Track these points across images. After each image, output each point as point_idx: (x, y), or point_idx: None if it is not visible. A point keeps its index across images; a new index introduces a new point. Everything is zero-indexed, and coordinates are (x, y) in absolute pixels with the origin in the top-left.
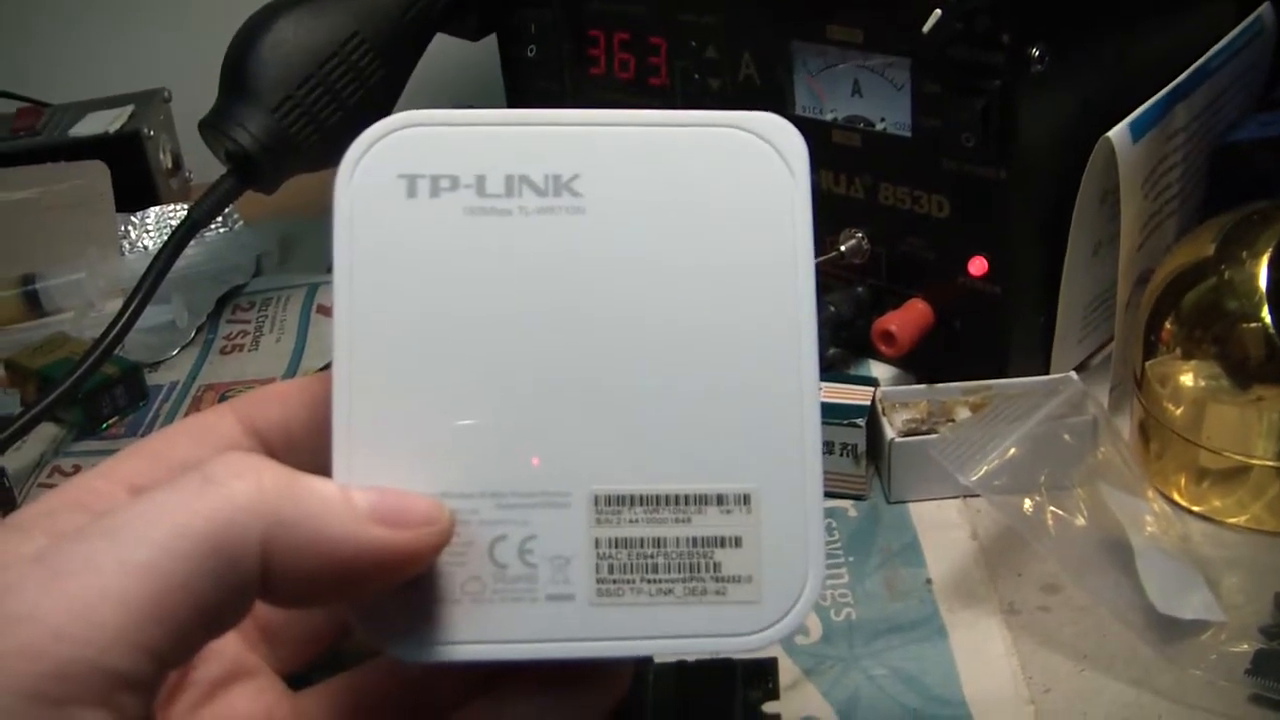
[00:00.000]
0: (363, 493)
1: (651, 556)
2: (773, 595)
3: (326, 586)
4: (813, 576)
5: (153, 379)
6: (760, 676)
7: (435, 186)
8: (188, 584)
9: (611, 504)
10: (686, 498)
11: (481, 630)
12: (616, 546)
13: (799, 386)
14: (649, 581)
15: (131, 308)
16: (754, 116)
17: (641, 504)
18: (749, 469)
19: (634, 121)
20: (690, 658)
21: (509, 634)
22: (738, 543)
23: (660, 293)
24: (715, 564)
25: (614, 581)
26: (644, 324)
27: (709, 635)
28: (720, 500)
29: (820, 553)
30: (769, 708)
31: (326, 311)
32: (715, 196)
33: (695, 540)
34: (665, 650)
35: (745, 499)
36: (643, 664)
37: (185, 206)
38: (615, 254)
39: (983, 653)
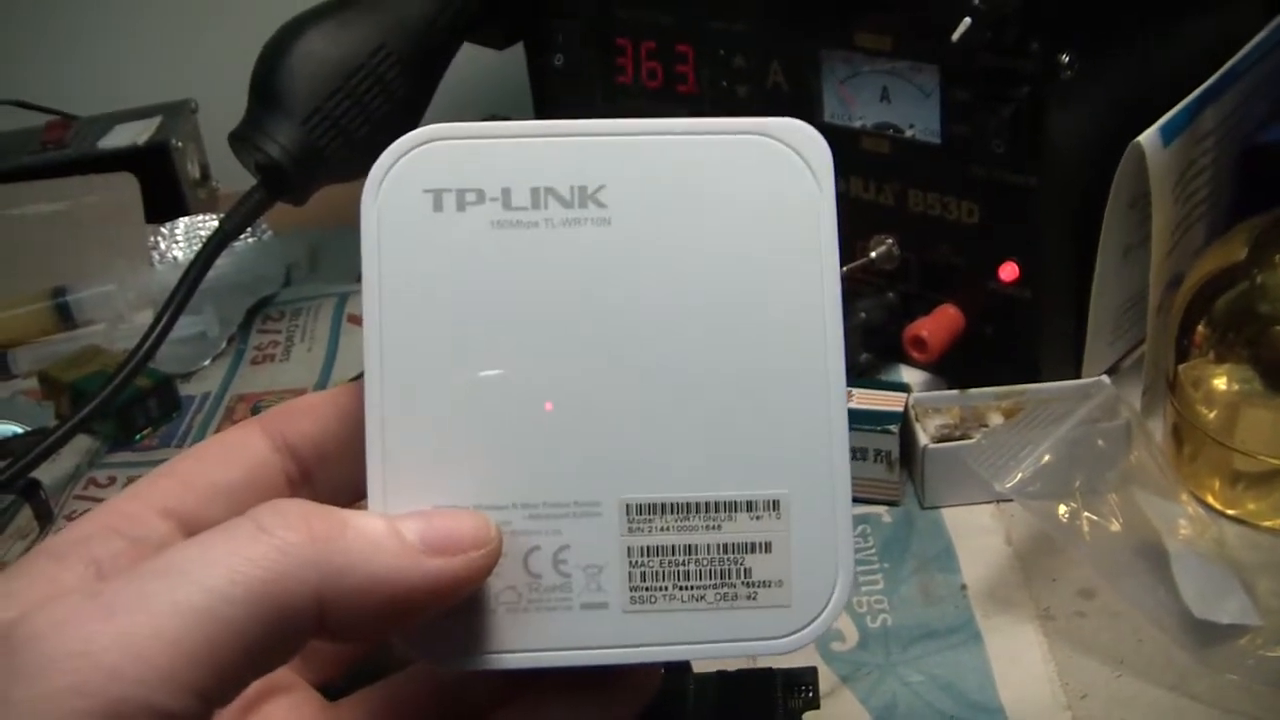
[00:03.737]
0: (411, 521)
1: (683, 564)
2: (803, 599)
3: (383, 622)
4: (842, 579)
5: (185, 390)
6: (800, 685)
7: (461, 200)
8: (241, 629)
9: (643, 512)
10: (717, 505)
11: (517, 639)
12: (648, 554)
13: (826, 393)
14: (681, 588)
15: (164, 320)
16: (779, 123)
17: (672, 512)
18: (778, 475)
19: (658, 130)
20: (730, 667)
21: (544, 643)
22: (768, 548)
23: (686, 302)
24: (746, 569)
25: (647, 589)
26: (671, 334)
27: (741, 640)
28: (750, 506)
29: (850, 555)
30: (810, 716)
31: (357, 321)
32: (740, 205)
33: (726, 546)
34: (699, 656)
35: (775, 504)
36: (682, 675)
37: (214, 217)
38: (642, 264)
39: (1019, 659)
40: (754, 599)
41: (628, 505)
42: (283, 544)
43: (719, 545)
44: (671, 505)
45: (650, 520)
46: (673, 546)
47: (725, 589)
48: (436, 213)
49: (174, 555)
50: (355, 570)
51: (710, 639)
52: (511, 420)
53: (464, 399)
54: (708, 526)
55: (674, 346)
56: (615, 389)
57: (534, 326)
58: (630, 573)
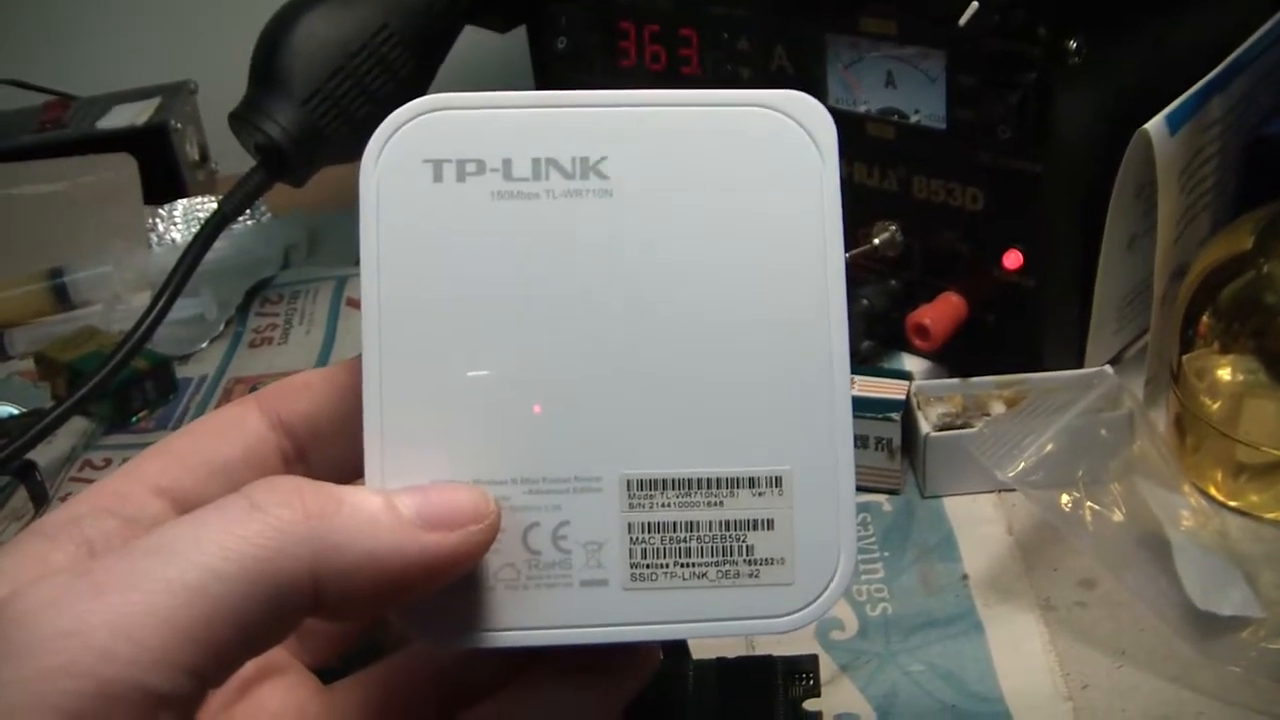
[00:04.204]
0: (407, 496)
1: (684, 540)
2: (806, 577)
3: (379, 599)
4: (845, 557)
5: (182, 372)
6: (801, 673)
7: (461, 170)
8: (234, 607)
9: (644, 488)
10: (718, 481)
11: (516, 617)
12: (649, 531)
13: (829, 368)
14: (682, 565)
15: (161, 301)
16: (782, 95)
17: (674, 488)
18: (780, 451)
19: (661, 102)
20: (730, 654)
21: (544, 620)
22: (770, 525)
23: (689, 275)
24: (748, 547)
25: (647, 566)
26: (673, 307)
27: (743, 618)
28: (752, 483)
29: (852, 534)
30: (810, 704)
31: (356, 304)
32: (743, 176)
33: (728, 523)
34: (700, 634)
35: (777, 481)
36: (681, 660)
37: (213, 199)
38: (643, 236)
39: (1020, 648)
40: (756, 577)
41: (629, 481)
42: (277, 520)
43: (721, 522)
44: (673, 481)
45: (651, 496)
46: (674, 523)
47: (727, 566)
48: (436, 183)
49: (166, 533)
50: (351, 546)
51: (711, 617)
52: (511, 395)
53: (463, 373)
54: (709, 503)
55: (676, 321)
56: (616, 363)
57: (534, 299)
58: (631, 549)
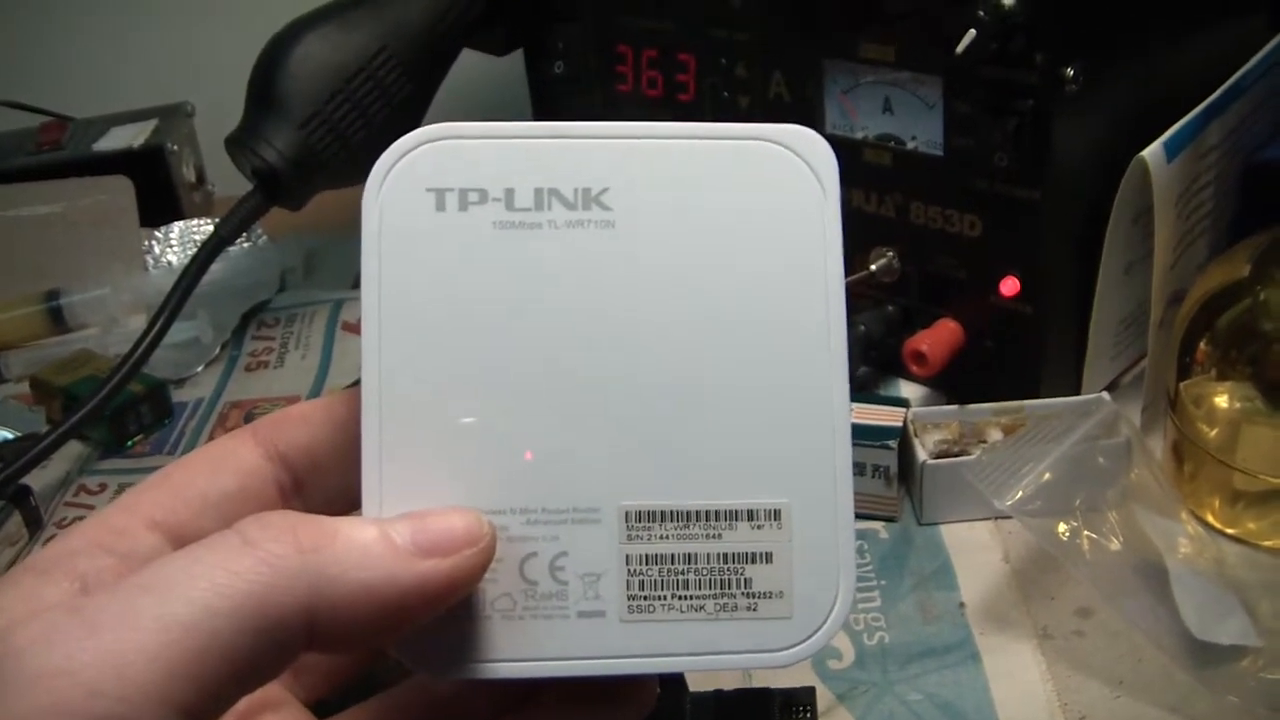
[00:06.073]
0: (401, 524)
1: (683, 573)
2: (804, 611)
3: (376, 631)
4: (844, 591)
5: (178, 396)
6: (798, 705)
7: (464, 200)
8: (227, 644)
9: (642, 520)
10: (717, 513)
11: (512, 648)
12: (647, 563)
13: (829, 400)
14: (680, 598)
15: (157, 324)
16: (784, 129)
17: (672, 520)
18: (779, 484)
19: (664, 134)
20: (727, 686)
21: (540, 652)
22: (769, 558)
23: (689, 308)
24: (746, 580)
25: (645, 598)
26: (673, 339)
27: (741, 651)
28: (751, 516)
29: (851, 567)
30: None
31: (352, 328)
32: (745, 210)
33: (726, 556)
34: (698, 667)
35: (776, 514)
36: (679, 693)
37: (209, 221)
38: (645, 268)
39: (1017, 678)
40: (754, 610)
41: (627, 513)
42: (268, 556)
43: (719, 555)
44: (672, 513)
45: (650, 528)
46: (672, 555)
47: (725, 599)
48: (439, 212)
49: (159, 570)
50: (345, 578)
51: (709, 650)
52: (510, 425)
53: (462, 403)
54: (708, 535)
55: (676, 352)
56: (616, 394)
57: (535, 329)
58: (629, 581)
